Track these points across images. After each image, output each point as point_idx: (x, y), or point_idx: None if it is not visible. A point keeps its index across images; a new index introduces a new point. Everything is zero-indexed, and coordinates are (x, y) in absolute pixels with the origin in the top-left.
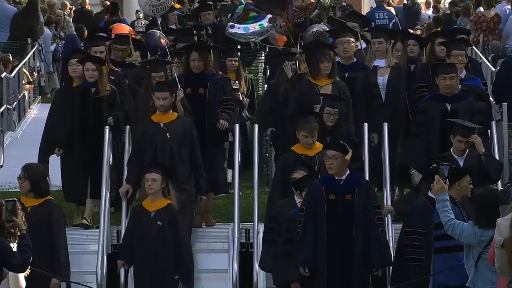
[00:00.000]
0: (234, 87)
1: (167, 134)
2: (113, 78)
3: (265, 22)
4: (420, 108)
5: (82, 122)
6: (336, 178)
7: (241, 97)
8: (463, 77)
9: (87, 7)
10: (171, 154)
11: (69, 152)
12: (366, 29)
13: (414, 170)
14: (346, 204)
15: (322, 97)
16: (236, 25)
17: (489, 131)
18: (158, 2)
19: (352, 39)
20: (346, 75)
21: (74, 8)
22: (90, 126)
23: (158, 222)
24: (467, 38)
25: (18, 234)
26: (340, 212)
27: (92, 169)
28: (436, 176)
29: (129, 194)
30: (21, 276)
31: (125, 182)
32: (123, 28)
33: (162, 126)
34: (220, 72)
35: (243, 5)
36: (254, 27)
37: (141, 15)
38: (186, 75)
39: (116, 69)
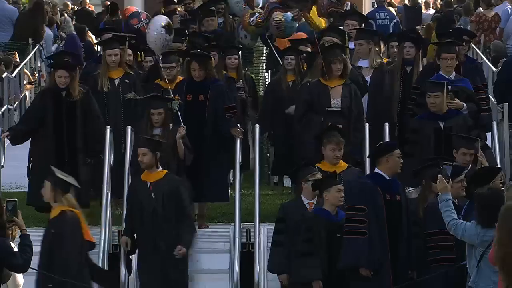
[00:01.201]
0: (238, 85)
1: (152, 194)
2: (128, 81)
3: None
4: (413, 128)
5: (56, 125)
6: (388, 178)
7: (245, 96)
8: (452, 78)
9: (88, 7)
10: (154, 214)
11: (40, 155)
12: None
13: (410, 189)
14: (397, 205)
15: (326, 113)
16: None
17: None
18: (169, 38)
19: (335, 39)
20: None
21: (76, 8)
22: (64, 129)
23: (52, 230)
24: (468, 40)
25: (19, 234)
26: (392, 213)
27: (71, 174)
28: (439, 175)
29: (129, 245)
30: (19, 274)
31: (122, 234)
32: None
33: (148, 185)
34: (225, 72)
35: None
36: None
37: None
38: (187, 82)
39: (131, 72)
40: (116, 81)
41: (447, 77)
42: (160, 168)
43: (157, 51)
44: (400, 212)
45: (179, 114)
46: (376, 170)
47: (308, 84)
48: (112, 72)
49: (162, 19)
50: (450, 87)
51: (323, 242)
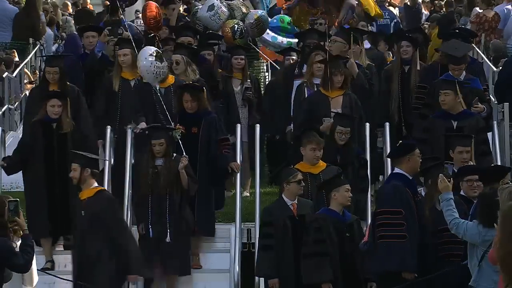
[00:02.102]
0: (245, 85)
1: (82, 212)
2: (145, 82)
3: (292, 40)
4: (425, 126)
5: (47, 157)
6: (410, 178)
7: (252, 96)
8: (461, 79)
9: (89, 7)
10: (82, 233)
11: (33, 190)
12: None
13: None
14: (420, 204)
15: (333, 115)
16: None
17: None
18: (161, 65)
19: (339, 39)
20: None
21: (75, 8)
22: (56, 162)
23: None
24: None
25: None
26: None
27: (63, 205)
28: (440, 175)
29: None
30: (35, 272)
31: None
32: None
33: (83, 202)
34: (220, 70)
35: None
36: (282, 40)
37: (140, 15)
38: (180, 114)
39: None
40: (132, 82)
41: (456, 78)
42: (95, 184)
43: (153, 81)
44: (421, 212)
45: (181, 143)
46: (397, 170)
47: (305, 84)
48: (127, 73)
49: (149, 49)
50: (463, 86)
51: (334, 242)
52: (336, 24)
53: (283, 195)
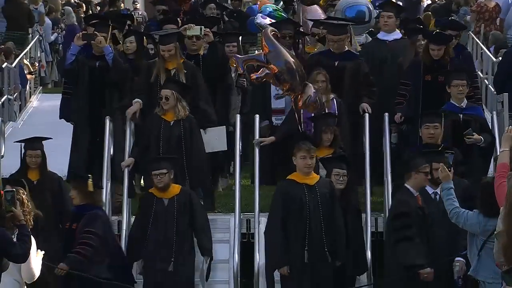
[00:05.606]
0: (238, 72)
1: None
2: (186, 71)
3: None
4: (406, 159)
5: None
6: None
7: (245, 84)
8: (464, 106)
9: None
10: None
11: None
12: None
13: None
14: None
15: (325, 161)
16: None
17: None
18: None
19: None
20: (336, 63)
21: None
22: None
23: None
24: (455, 34)
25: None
26: None
27: None
28: (441, 164)
29: None
30: (34, 264)
31: None
32: None
33: None
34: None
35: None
36: None
37: (138, 5)
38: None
39: (189, 61)
40: (172, 72)
41: (458, 105)
42: None
43: None
44: None
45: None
46: None
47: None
48: (168, 63)
49: None
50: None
51: None
52: (300, 104)
53: (407, 185)
